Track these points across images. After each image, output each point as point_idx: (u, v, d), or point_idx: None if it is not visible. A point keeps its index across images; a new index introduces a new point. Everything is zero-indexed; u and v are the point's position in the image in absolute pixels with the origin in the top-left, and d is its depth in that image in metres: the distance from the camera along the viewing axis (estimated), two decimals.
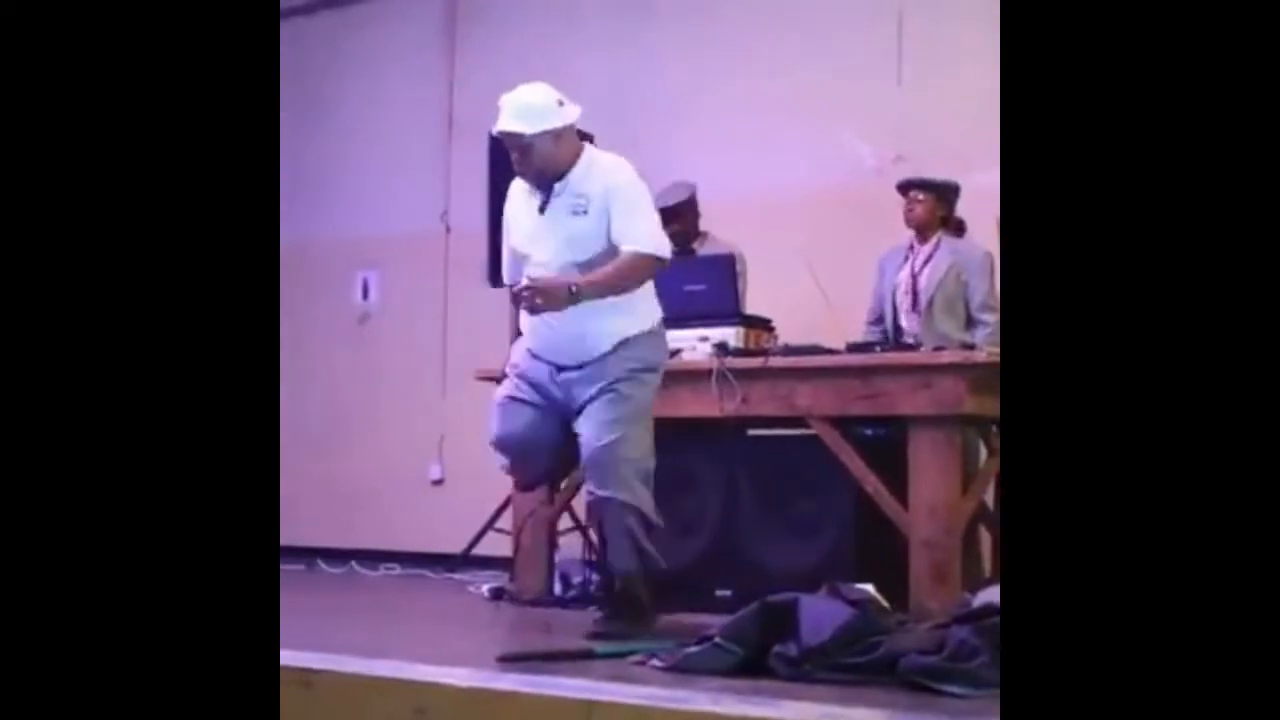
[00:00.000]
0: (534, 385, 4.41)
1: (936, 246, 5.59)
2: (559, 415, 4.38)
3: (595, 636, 4.07)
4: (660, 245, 4.30)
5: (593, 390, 4.27)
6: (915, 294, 5.58)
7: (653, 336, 4.40)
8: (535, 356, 4.43)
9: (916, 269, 5.60)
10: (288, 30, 8.48)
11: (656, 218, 4.38)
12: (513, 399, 4.45)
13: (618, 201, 4.28)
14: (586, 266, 4.26)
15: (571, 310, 4.22)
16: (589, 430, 4.26)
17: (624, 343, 4.29)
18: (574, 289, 4.18)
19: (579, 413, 4.31)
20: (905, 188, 5.61)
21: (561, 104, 4.32)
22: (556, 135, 4.30)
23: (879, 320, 5.72)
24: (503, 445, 4.51)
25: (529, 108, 4.29)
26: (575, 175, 4.32)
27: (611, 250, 4.28)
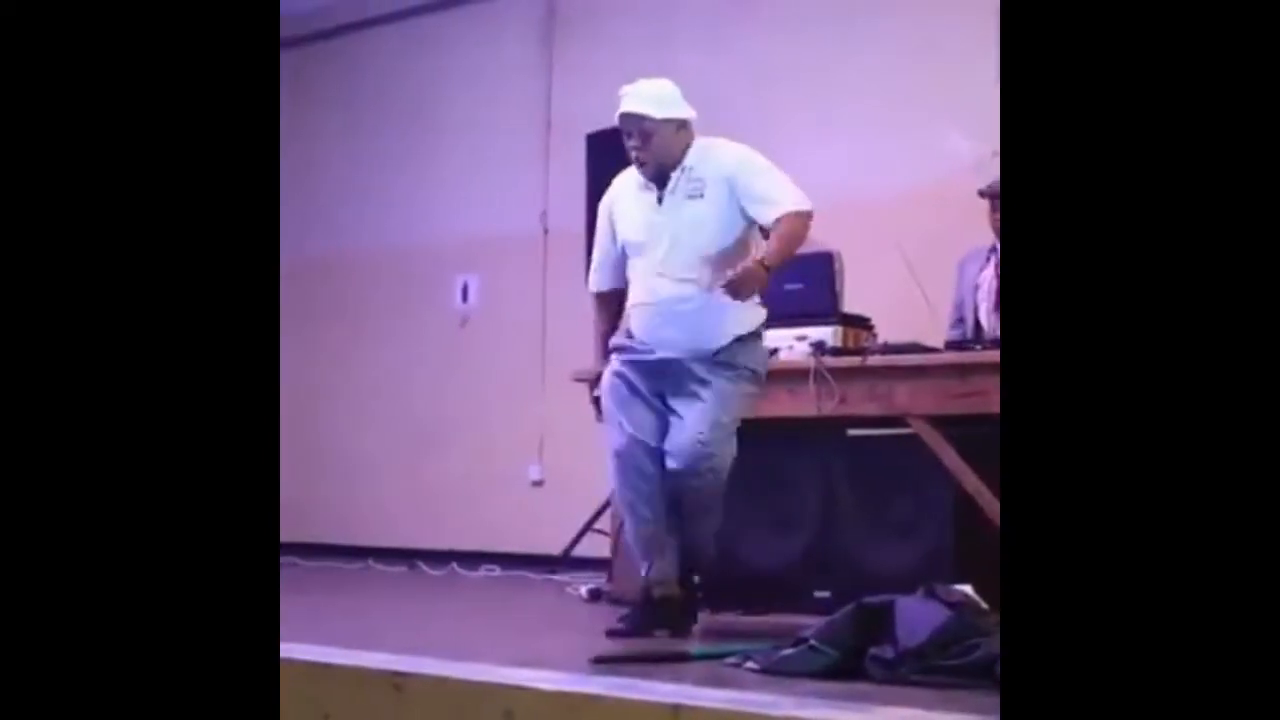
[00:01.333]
0: (631, 388, 4.36)
1: None
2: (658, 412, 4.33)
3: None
4: (802, 198, 4.28)
5: (693, 383, 4.24)
6: (998, 293, 5.50)
7: (760, 340, 4.39)
8: (636, 353, 4.38)
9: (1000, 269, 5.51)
10: (388, 36, 8.59)
11: (786, 176, 4.34)
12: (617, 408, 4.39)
13: (742, 175, 4.30)
14: (708, 251, 4.26)
15: (691, 302, 4.23)
16: (686, 425, 4.21)
17: (738, 340, 4.28)
18: (765, 264, 4.17)
19: (673, 399, 4.28)
20: (989, 195, 5.52)
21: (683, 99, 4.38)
22: (680, 125, 4.33)
23: (960, 321, 5.64)
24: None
25: (656, 94, 4.33)
26: (689, 161, 4.33)
27: (735, 231, 4.29)
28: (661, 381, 4.30)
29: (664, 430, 4.28)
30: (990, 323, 5.45)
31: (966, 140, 6.14)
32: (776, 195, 4.27)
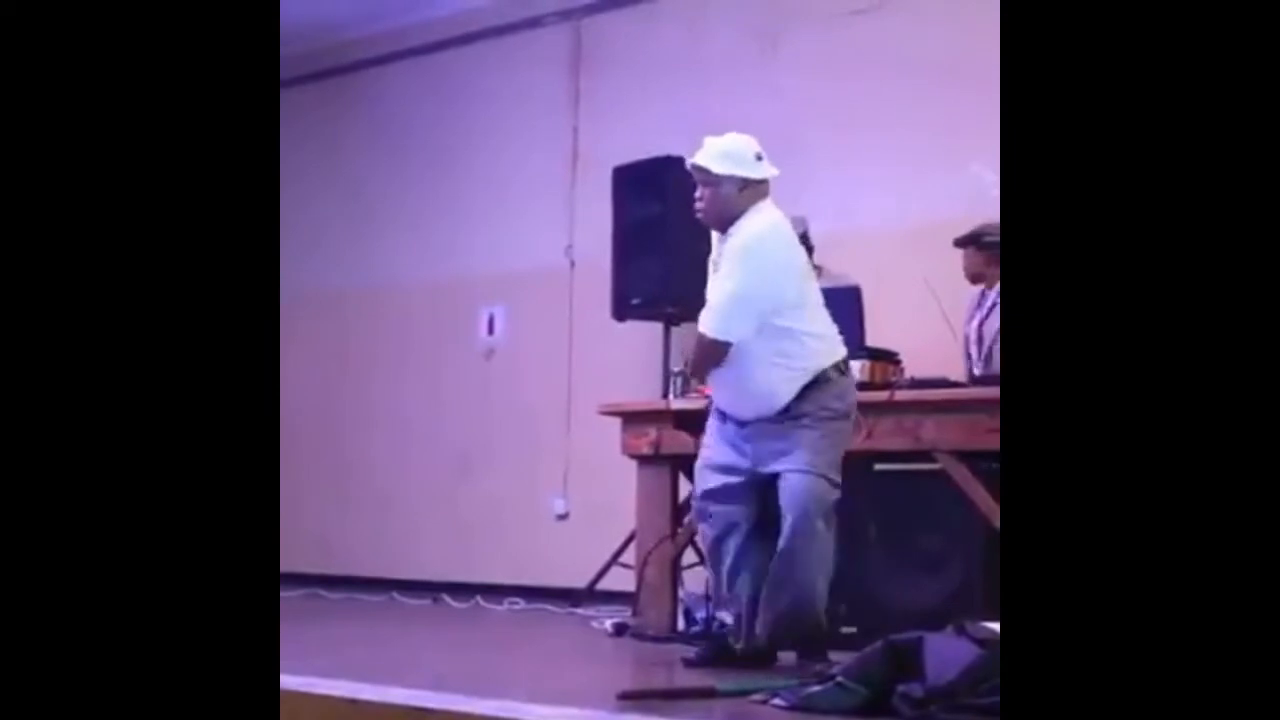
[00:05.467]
0: (728, 448, 4.43)
1: (998, 295, 5.54)
2: (752, 479, 4.37)
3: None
4: (711, 326, 4.30)
5: (779, 444, 4.27)
6: (980, 344, 5.59)
7: (832, 385, 4.34)
8: (722, 414, 4.46)
9: (981, 319, 5.57)
10: (416, 70, 8.62)
11: (735, 288, 4.29)
12: (709, 466, 4.47)
13: (721, 268, 4.34)
14: None
15: (743, 364, 4.27)
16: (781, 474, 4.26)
17: (803, 394, 4.28)
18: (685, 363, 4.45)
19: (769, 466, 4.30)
20: (964, 243, 5.66)
21: (760, 159, 4.38)
22: (744, 185, 4.33)
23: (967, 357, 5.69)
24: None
25: (724, 149, 4.36)
26: (732, 230, 4.35)
27: None
28: (744, 450, 4.39)
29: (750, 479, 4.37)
30: (980, 373, 5.41)
31: (991, 173, 6.13)
32: (707, 308, 4.34)
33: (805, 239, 5.90)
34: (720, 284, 4.31)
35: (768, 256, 4.31)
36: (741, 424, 4.38)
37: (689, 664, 4.34)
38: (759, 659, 4.32)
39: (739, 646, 4.39)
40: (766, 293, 4.28)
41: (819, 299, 4.45)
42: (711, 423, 4.50)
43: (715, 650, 4.43)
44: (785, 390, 4.26)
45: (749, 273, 4.28)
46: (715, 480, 4.41)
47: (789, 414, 4.26)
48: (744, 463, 4.36)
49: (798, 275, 4.38)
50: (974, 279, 5.66)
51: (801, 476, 4.22)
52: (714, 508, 4.41)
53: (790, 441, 4.25)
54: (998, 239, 5.60)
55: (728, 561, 4.41)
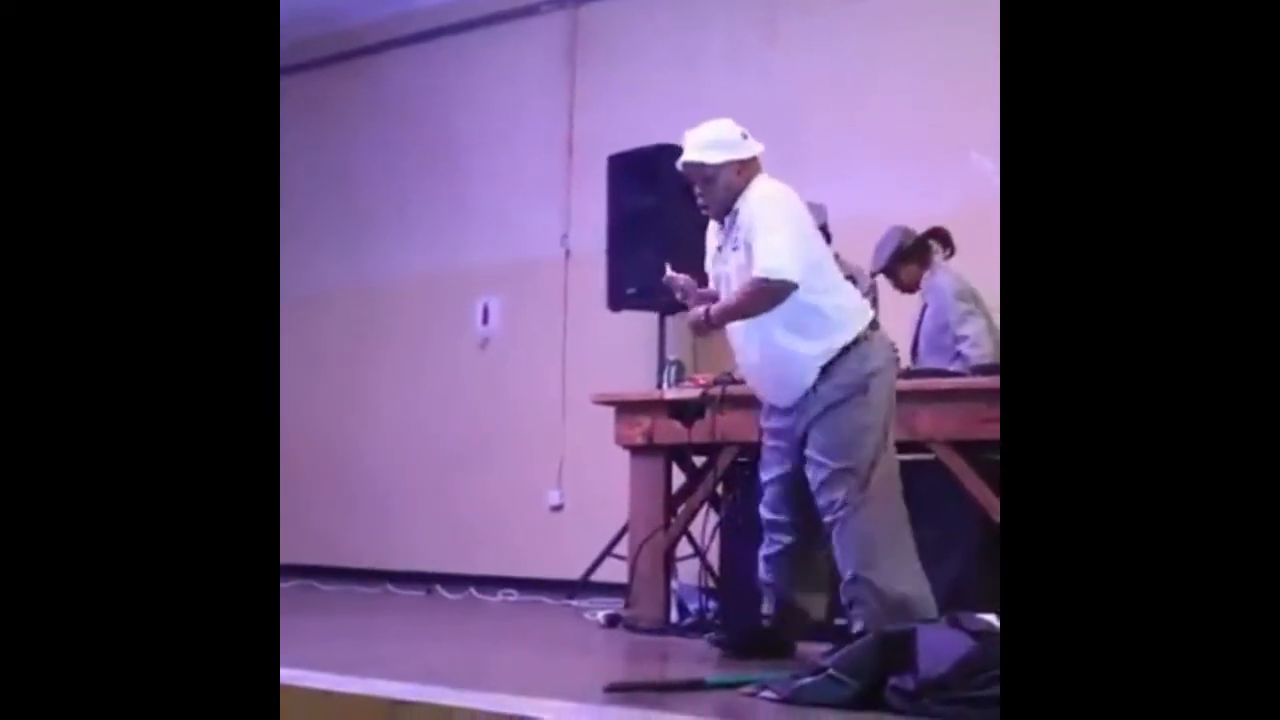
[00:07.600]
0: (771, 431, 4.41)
1: (924, 294, 5.62)
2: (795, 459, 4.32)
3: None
4: (775, 266, 4.16)
5: (808, 427, 4.22)
6: (915, 345, 5.62)
7: (856, 349, 4.25)
8: (764, 399, 4.43)
9: (918, 323, 5.65)
10: (409, 58, 8.57)
11: (783, 235, 4.21)
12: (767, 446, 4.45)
13: (748, 226, 4.25)
14: None
15: (759, 347, 4.24)
16: (815, 481, 4.21)
17: (827, 369, 4.21)
18: (707, 317, 4.25)
19: (803, 450, 4.25)
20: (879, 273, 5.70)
21: (745, 137, 4.36)
22: (740, 166, 4.31)
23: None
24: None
25: (712, 139, 4.33)
26: (738, 205, 4.30)
27: None
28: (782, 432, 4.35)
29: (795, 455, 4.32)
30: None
31: (991, 162, 6.08)
32: (756, 256, 4.20)
33: (824, 229, 5.87)
34: (762, 239, 4.19)
35: (788, 206, 4.28)
36: (772, 407, 4.37)
37: (725, 654, 4.31)
38: (781, 643, 4.38)
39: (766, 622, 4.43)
40: (806, 238, 4.28)
41: (833, 262, 4.44)
42: None
43: (745, 635, 4.44)
44: (810, 372, 4.21)
45: (785, 219, 4.24)
46: (766, 454, 4.43)
47: (808, 397, 4.22)
48: (784, 443, 4.35)
49: (815, 230, 4.40)
50: (909, 292, 5.64)
51: (810, 467, 4.20)
52: (766, 483, 4.43)
53: (808, 428, 4.22)
54: (915, 233, 5.60)
55: (768, 538, 4.42)
